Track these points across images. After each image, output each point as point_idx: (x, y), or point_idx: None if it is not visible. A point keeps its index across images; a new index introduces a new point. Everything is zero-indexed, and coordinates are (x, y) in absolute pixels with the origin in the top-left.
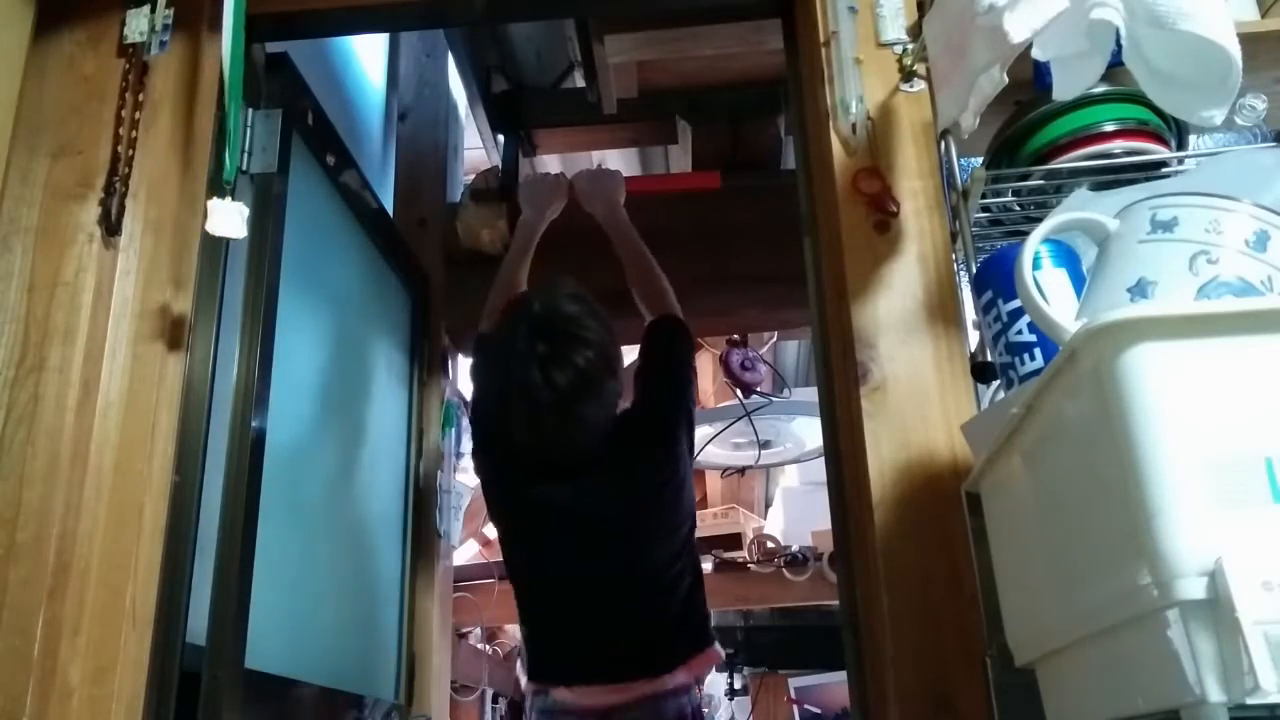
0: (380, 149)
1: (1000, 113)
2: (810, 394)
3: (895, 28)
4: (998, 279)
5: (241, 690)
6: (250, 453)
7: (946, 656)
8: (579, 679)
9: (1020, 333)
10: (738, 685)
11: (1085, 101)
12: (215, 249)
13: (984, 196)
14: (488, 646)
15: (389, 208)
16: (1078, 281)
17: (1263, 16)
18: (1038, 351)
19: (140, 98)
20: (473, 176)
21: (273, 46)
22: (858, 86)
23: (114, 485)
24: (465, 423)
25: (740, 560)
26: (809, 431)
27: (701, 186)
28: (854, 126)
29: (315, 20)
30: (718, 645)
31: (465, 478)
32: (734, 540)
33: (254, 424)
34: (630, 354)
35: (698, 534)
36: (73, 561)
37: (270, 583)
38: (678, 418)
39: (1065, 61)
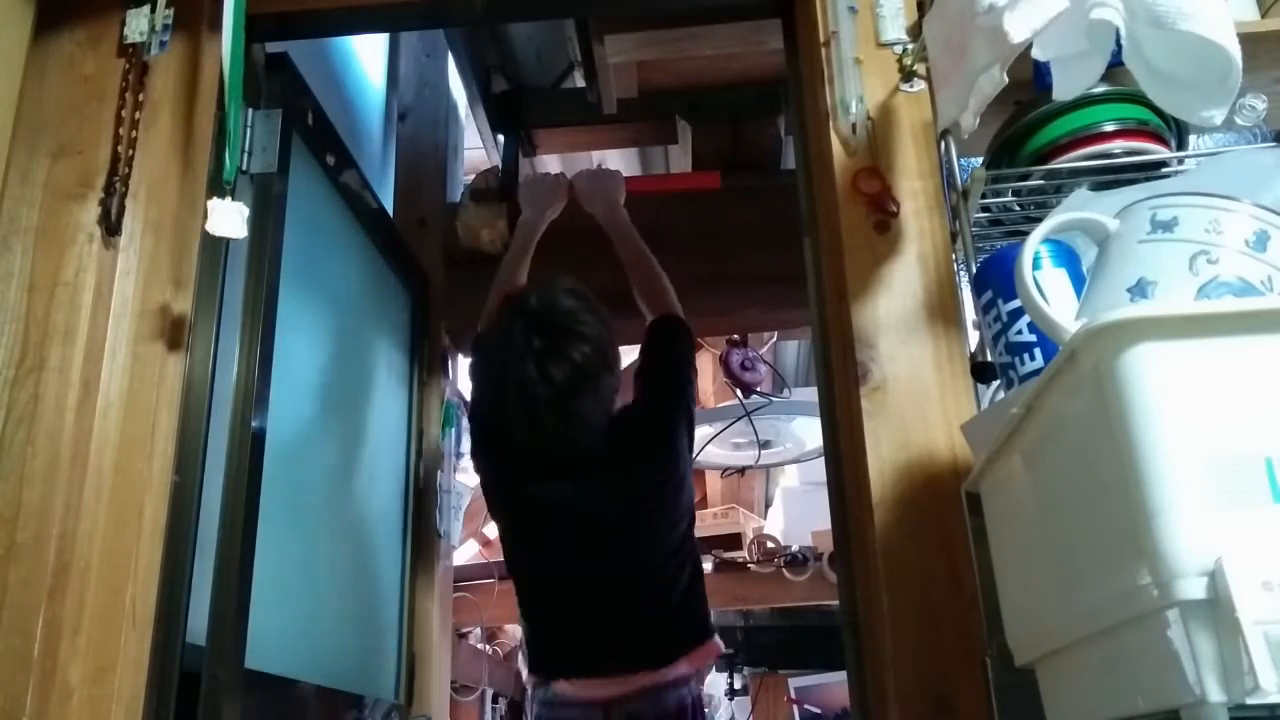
0: (380, 149)
1: (1000, 113)
2: (810, 394)
3: (895, 28)
4: (998, 279)
5: (241, 690)
6: (250, 453)
7: (946, 656)
8: (579, 672)
9: (1020, 333)
10: (738, 685)
11: (1085, 101)
12: (215, 249)
13: (984, 196)
14: (488, 646)
15: (389, 208)
16: (1078, 281)
17: (1263, 16)
18: (1038, 351)
19: (140, 98)
20: (473, 176)
21: (273, 46)
22: (858, 86)
23: (114, 485)
24: (465, 423)
25: (740, 560)
26: (809, 431)
27: (701, 186)
28: (854, 126)
29: (315, 20)
30: (717, 638)
31: (465, 478)
32: (734, 540)
33: (254, 424)
34: (631, 354)
35: (698, 534)
36: (73, 561)
37: (270, 583)
38: (678, 416)
39: (1065, 61)
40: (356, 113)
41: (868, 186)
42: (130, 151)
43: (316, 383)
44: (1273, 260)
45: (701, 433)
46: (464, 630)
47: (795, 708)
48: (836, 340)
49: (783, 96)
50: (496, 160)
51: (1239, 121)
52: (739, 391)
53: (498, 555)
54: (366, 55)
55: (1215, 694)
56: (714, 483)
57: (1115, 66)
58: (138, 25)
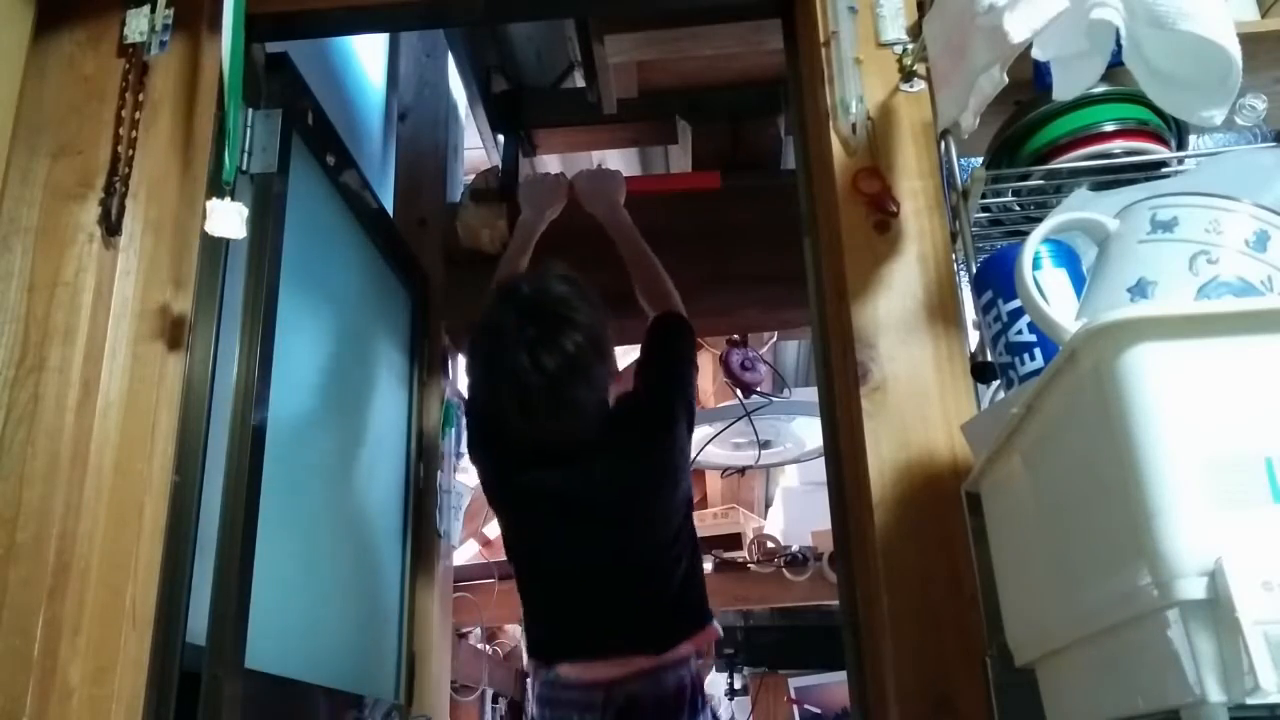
0: (380, 149)
1: (1000, 113)
2: (810, 394)
3: (895, 28)
4: (998, 279)
5: (241, 690)
6: (250, 453)
7: (946, 656)
8: (580, 655)
9: (1020, 333)
10: (738, 685)
11: (1085, 101)
12: (215, 249)
13: (984, 196)
14: (488, 646)
15: (389, 208)
16: (1078, 281)
17: (1263, 16)
18: (1038, 351)
19: (140, 98)
20: (473, 176)
21: (273, 46)
22: (858, 86)
23: (114, 485)
24: (465, 422)
25: (740, 560)
26: (809, 431)
27: (701, 186)
28: (854, 126)
29: (315, 20)
30: (716, 623)
31: (465, 478)
32: (734, 540)
33: (254, 424)
34: (632, 354)
35: (698, 534)
36: (73, 561)
37: (270, 583)
38: (677, 406)
39: (1065, 61)
40: (356, 113)
41: (868, 186)
42: (130, 151)
43: (316, 383)
44: (1273, 260)
45: (701, 433)
46: (464, 630)
47: (795, 708)
48: (836, 340)
49: (783, 96)
50: (496, 160)
51: (1239, 121)
52: (739, 391)
53: (498, 555)
54: (366, 55)
55: (1215, 694)
56: (714, 483)
57: (1115, 66)
58: (138, 25)
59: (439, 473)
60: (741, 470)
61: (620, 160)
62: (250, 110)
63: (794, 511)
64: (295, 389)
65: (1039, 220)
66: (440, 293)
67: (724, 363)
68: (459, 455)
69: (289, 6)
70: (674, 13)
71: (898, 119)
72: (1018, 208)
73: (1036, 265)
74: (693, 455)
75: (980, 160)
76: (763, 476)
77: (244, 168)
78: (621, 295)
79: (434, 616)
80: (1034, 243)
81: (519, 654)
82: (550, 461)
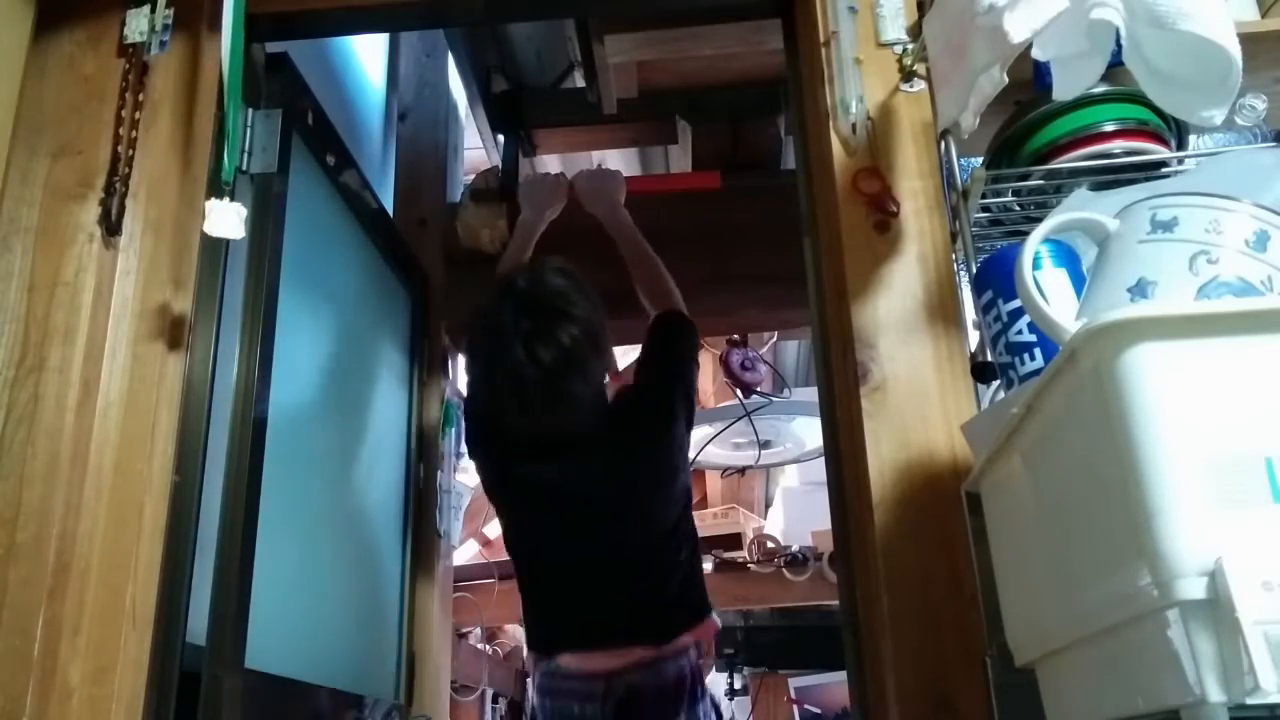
0: (380, 149)
1: (1000, 113)
2: (810, 394)
3: (895, 28)
4: (998, 279)
5: (241, 690)
6: (250, 453)
7: (946, 656)
8: (580, 645)
9: (1020, 333)
10: (738, 685)
11: (1085, 101)
12: (215, 249)
13: (984, 196)
14: (488, 646)
15: (389, 208)
16: (1078, 281)
17: (1263, 16)
18: (1038, 351)
19: (140, 98)
20: (473, 176)
21: (273, 46)
22: (858, 86)
23: (114, 485)
24: (464, 419)
25: (740, 560)
26: (809, 431)
27: (701, 186)
28: (854, 126)
29: (315, 20)
30: (715, 617)
31: (465, 478)
32: (734, 540)
33: (254, 424)
34: (634, 355)
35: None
36: (73, 561)
37: (270, 583)
38: (676, 402)
39: (1065, 61)
40: (356, 113)
41: (868, 186)
42: (130, 151)
43: (316, 383)
44: (1273, 260)
45: (701, 433)
46: (464, 630)
47: (795, 708)
48: (836, 340)
49: (783, 96)
50: (496, 160)
51: (1239, 121)
52: (739, 391)
53: (498, 555)
54: (366, 55)
55: (1215, 694)
56: (714, 483)
57: (1115, 66)
58: (138, 25)
59: (439, 473)
60: (741, 470)
61: (620, 160)
62: (250, 110)
63: (794, 511)
64: (295, 389)
65: (1039, 220)
66: (440, 293)
67: (724, 363)
68: (459, 455)
69: (289, 6)
70: (674, 13)
71: (898, 119)
72: (1018, 208)
73: (1036, 265)
74: (693, 455)
75: (980, 160)
76: (763, 476)
77: (244, 168)
78: (623, 295)
79: (434, 616)
80: (1034, 243)
81: (519, 654)
82: (548, 455)
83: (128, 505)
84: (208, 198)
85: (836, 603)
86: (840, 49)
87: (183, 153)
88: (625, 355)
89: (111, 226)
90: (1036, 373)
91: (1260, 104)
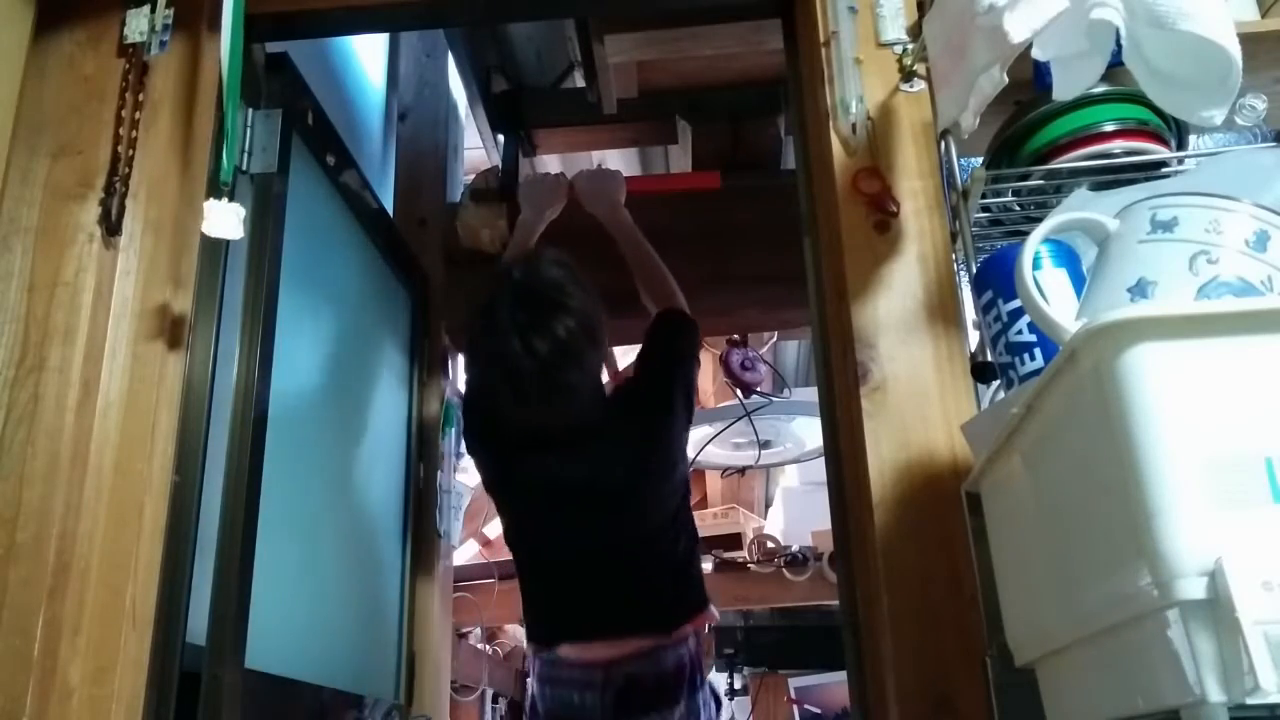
0: (380, 149)
1: (1000, 113)
2: (810, 394)
3: (895, 28)
4: (998, 279)
5: (241, 690)
6: (250, 452)
7: (946, 656)
8: (580, 636)
9: (1020, 333)
10: (738, 685)
11: (1085, 101)
12: (215, 249)
13: (984, 196)
14: (488, 646)
15: (389, 208)
16: (1078, 281)
17: (1263, 16)
18: (1038, 351)
19: (140, 98)
20: (473, 176)
21: (273, 46)
22: (858, 86)
23: (114, 485)
24: (463, 414)
25: (740, 560)
26: (809, 431)
27: (701, 186)
28: (854, 126)
29: (315, 20)
30: (713, 608)
31: (465, 478)
32: (734, 540)
33: (254, 423)
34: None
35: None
36: (73, 561)
37: (270, 583)
38: (675, 397)
39: (1065, 61)
40: (356, 113)
41: (868, 186)
42: (130, 151)
43: (316, 383)
44: (1273, 260)
45: (701, 433)
46: (464, 630)
47: (795, 708)
48: (836, 340)
49: (783, 96)
50: (496, 160)
51: (1239, 121)
52: (739, 391)
53: (498, 555)
54: (366, 55)
55: (1215, 694)
56: (714, 483)
57: (1115, 66)
58: (138, 25)
59: (439, 473)
60: (741, 470)
61: (620, 160)
62: (250, 110)
63: (794, 511)
64: (295, 389)
65: (1039, 220)
66: (440, 293)
67: (724, 363)
68: (459, 455)
69: (289, 6)
70: (674, 13)
71: (898, 119)
72: (1018, 208)
73: (1036, 265)
74: (693, 455)
75: (980, 160)
76: (763, 476)
77: (244, 168)
78: (623, 294)
79: (434, 616)
80: (1034, 243)
81: (519, 654)
82: (545, 447)
83: (128, 505)
84: (208, 197)
85: (836, 603)
86: (840, 49)
87: (183, 153)
88: (626, 355)
89: (111, 226)
90: (1036, 373)
91: (1260, 104)
